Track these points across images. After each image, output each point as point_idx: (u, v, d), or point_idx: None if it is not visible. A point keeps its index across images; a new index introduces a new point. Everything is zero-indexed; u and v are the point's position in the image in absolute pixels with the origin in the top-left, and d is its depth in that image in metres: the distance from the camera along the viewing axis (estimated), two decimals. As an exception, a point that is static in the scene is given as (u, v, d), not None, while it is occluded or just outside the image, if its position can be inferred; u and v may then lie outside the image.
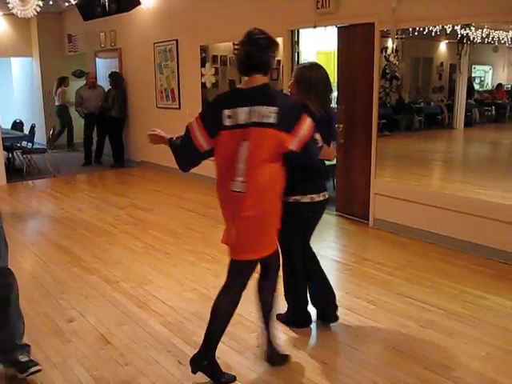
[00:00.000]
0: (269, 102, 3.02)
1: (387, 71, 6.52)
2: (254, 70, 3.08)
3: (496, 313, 4.15)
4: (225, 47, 9.29)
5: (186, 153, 3.22)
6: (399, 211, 6.16)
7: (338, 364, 3.46)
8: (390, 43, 6.70)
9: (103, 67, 12.28)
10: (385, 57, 6.83)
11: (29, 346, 3.40)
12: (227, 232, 3.26)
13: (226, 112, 3.02)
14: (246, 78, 3.13)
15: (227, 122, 3.02)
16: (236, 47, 3.09)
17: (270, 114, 2.98)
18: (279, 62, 7.67)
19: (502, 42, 8.94)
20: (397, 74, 6.64)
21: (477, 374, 3.32)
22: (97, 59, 12.56)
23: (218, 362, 3.42)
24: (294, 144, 3.05)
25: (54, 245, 6.02)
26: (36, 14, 9.09)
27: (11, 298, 3.26)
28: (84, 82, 11.76)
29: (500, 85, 14.60)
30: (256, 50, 3.06)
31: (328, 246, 5.82)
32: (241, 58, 3.13)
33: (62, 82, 12.99)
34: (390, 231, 6.18)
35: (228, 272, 3.30)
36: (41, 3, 8.74)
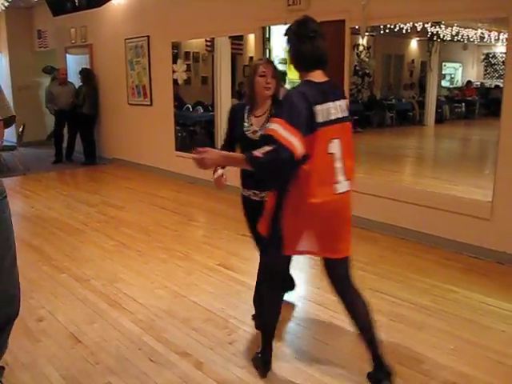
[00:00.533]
0: (344, 95, 2.98)
1: (357, 68, 6.56)
2: (324, 64, 2.90)
3: (465, 306, 4.21)
4: (197, 44, 9.28)
5: (280, 165, 2.69)
6: (370, 207, 6.20)
7: (310, 359, 3.47)
8: (362, 40, 6.75)
9: (74, 63, 12.14)
10: (357, 54, 6.87)
11: (3, 368, 3.25)
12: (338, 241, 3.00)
13: (318, 107, 2.75)
14: (314, 73, 2.86)
15: (320, 119, 2.76)
16: (302, 39, 2.87)
17: (346, 107, 2.94)
18: (251, 58, 7.68)
19: (471, 40, 9.06)
20: (366, 70, 6.68)
21: (445, 366, 3.36)
22: (67, 55, 12.39)
23: (189, 358, 3.44)
24: None
25: (24, 243, 5.92)
26: (4, 9, 8.97)
27: (7, 328, 3.14)
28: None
29: (469, 82, 14.78)
30: (324, 44, 2.89)
31: (300, 242, 5.85)
32: (307, 53, 2.85)
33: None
34: (361, 227, 6.21)
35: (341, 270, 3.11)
36: (9, -2, 8.63)
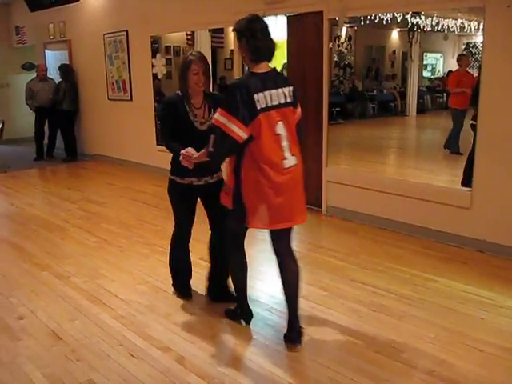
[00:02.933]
0: (287, 83, 3.40)
1: (336, 60, 6.56)
2: (272, 57, 3.34)
3: (444, 294, 4.24)
4: (178, 37, 9.21)
5: (226, 150, 3.29)
6: (351, 198, 6.23)
7: (292, 351, 3.48)
8: (343, 32, 6.74)
9: (53, 59, 12.02)
10: (338, 45, 6.87)
11: None
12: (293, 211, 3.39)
13: (260, 95, 3.19)
14: (260, 65, 3.29)
15: (259, 106, 3.19)
16: (246, 35, 3.30)
17: (290, 93, 3.35)
18: (232, 51, 7.66)
19: (452, 30, 9.07)
20: (346, 61, 6.68)
21: (426, 355, 3.38)
22: (46, 51, 12.27)
23: (171, 353, 3.44)
24: (296, 119, 3.46)
25: (4, 241, 5.89)
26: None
27: None
28: (34, 75, 11.50)
29: (450, 72, 14.86)
30: (272, 39, 3.33)
31: (282, 234, 5.84)
32: (263, 46, 3.27)
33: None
34: (342, 218, 6.24)
35: (286, 240, 3.53)
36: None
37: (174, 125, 3.83)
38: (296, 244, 5.52)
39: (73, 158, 11.01)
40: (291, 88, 3.36)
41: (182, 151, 3.59)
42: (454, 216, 5.33)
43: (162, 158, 9.04)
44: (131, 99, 9.75)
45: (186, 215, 4.12)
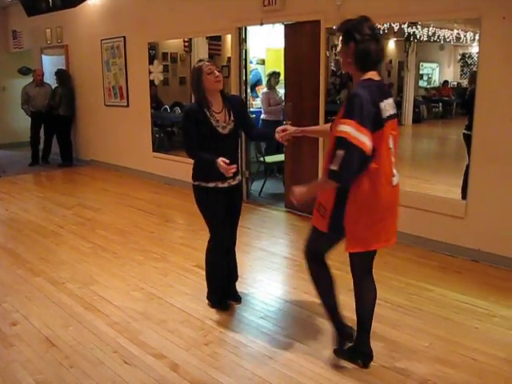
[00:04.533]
0: (391, 93, 3.13)
1: (333, 68, 6.58)
2: (379, 65, 3.06)
3: (439, 303, 4.24)
4: (175, 44, 9.22)
5: (356, 165, 2.82)
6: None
7: (285, 358, 3.47)
8: (338, 41, 6.74)
9: (50, 64, 12.00)
10: (335, 54, 6.88)
11: None
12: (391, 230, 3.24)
13: (382, 104, 2.90)
14: (370, 72, 2.96)
15: (384, 114, 2.91)
16: (365, 38, 2.90)
17: (394, 104, 3.06)
18: (229, 59, 7.67)
19: (448, 40, 9.11)
20: (343, 70, 6.69)
21: (421, 364, 3.38)
22: (43, 56, 12.26)
23: (165, 360, 3.43)
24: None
25: (-2, 247, 5.88)
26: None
27: None
28: (30, 80, 11.49)
29: (446, 82, 14.95)
30: (382, 46, 3.01)
31: (277, 242, 5.84)
32: (374, 52, 2.94)
33: None
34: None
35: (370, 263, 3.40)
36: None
37: (197, 132, 3.80)
38: (293, 253, 5.56)
39: (68, 164, 10.99)
40: (392, 98, 3.07)
41: (221, 162, 3.62)
42: (449, 226, 5.34)
43: (159, 165, 9.12)
44: (128, 105, 9.74)
45: (220, 220, 4.06)
